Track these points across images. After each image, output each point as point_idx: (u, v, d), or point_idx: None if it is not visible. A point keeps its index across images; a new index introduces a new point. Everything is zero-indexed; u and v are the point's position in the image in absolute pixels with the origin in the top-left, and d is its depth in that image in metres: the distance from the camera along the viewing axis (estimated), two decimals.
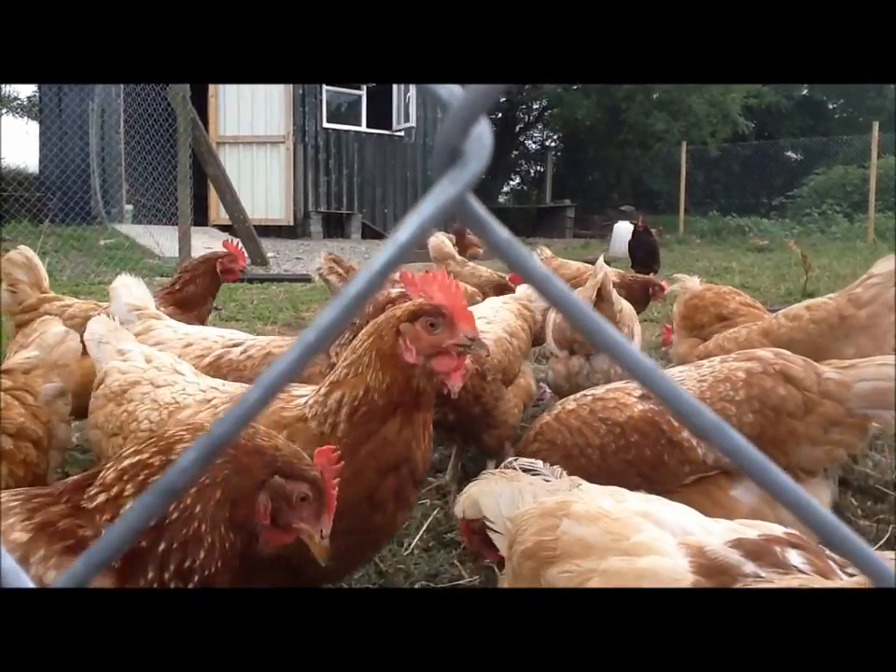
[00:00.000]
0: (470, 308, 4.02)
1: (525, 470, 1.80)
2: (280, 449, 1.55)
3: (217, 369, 2.95)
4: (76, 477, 1.56)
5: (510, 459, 1.88)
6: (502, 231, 0.51)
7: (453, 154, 0.50)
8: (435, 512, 3.20)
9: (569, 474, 2.09)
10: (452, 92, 0.52)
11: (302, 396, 2.15)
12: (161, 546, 1.36)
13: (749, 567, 1.25)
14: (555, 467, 1.84)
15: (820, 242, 19.12)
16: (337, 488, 1.59)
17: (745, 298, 4.50)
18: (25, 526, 1.38)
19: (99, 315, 2.91)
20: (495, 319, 3.81)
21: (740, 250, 18.17)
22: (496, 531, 1.70)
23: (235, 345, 3.06)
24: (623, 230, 8.68)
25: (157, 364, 2.57)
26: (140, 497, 0.55)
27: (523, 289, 4.39)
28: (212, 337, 3.16)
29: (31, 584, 0.59)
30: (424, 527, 3.07)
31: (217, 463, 1.42)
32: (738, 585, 1.23)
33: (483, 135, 0.51)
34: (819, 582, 1.19)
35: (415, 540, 2.98)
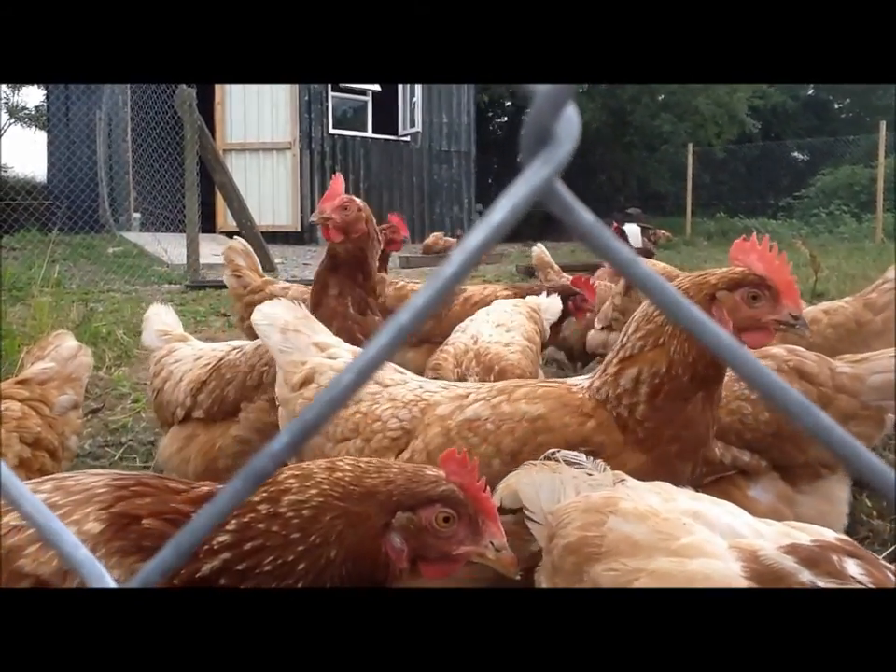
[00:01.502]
0: (483, 312, 4.06)
1: (567, 463, 1.76)
2: (393, 481, 1.36)
3: (217, 370, 3.04)
4: (217, 486, 1.41)
5: (551, 450, 1.83)
6: (588, 215, 0.50)
7: (543, 136, 0.49)
8: None
9: None
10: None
11: (576, 384, 2.04)
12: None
13: (806, 575, 1.22)
14: (599, 461, 1.81)
15: (829, 242, 19.04)
16: (486, 486, 1.41)
17: None
18: (99, 516, 1.28)
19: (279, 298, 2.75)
20: (513, 326, 3.79)
21: None
22: (534, 521, 1.68)
23: (235, 349, 3.15)
24: (631, 232, 8.68)
25: None
26: (230, 482, 0.54)
27: (532, 299, 4.37)
28: (220, 348, 3.28)
29: (113, 584, 0.59)
30: None
31: (325, 520, 1.29)
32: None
33: (572, 116, 0.50)
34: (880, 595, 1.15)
35: None
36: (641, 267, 0.49)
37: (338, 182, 3.22)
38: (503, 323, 3.76)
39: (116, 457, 3.96)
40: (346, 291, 3.10)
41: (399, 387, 2.28)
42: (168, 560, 0.55)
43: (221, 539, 1.25)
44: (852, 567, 1.22)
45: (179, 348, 3.36)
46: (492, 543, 1.37)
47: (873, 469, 0.49)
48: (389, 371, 2.35)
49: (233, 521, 1.26)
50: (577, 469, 1.76)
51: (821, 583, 1.19)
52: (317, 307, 3.07)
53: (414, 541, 1.34)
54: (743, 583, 1.23)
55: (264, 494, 1.32)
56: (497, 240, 0.50)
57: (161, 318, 3.60)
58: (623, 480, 1.68)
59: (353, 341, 2.64)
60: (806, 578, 1.21)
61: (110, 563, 1.20)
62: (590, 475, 1.72)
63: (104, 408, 4.82)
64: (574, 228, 0.50)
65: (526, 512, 1.72)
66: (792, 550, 1.27)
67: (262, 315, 2.48)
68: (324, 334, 2.50)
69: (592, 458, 1.82)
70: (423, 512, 1.34)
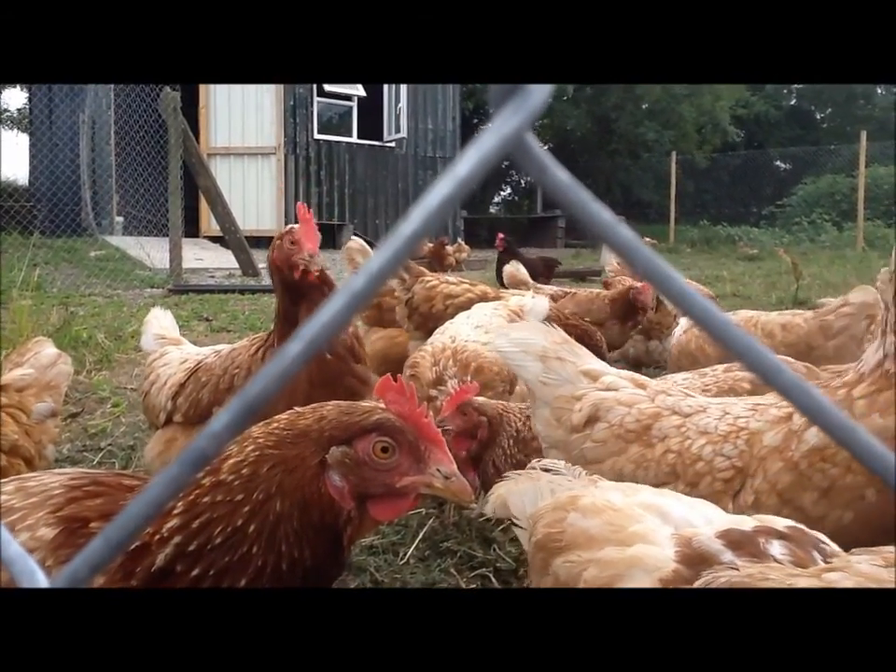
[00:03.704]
0: (464, 315, 4.06)
1: (545, 470, 1.81)
2: (325, 417, 1.29)
3: (194, 373, 3.01)
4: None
5: (534, 461, 1.88)
6: (562, 173, 0.46)
7: (514, 87, 0.45)
8: (431, 521, 3.18)
9: None
10: None
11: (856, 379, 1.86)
12: (195, 572, 1.19)
13: (727, 555, 1.28)
14: (576, 467, 1.85)
15: (810, 250, 19.21)
16: (426, 409, 1.31)
17: None
18: (48, 521, 1.23)
19: (522, 321, 2.40)
20: (492, 328, 3.80)
21: (730, 259, 18.24)
22: (521, 528, 1.72)
23: (215, 353, 3.12)
24: None
25: (654, 389, 2.14)
26: (167, 468, 0.50)
27: (516, 300, 4.38)
28: (205, 352, 3.25)
29: (45, 584, 0.57)
30: (419, 537, 3.04)
31: (263, 472, 1.23)
32: (710, 573, 1.26)
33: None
34: (780, 574, 1.21)
35: (411, 550, 2.95)
36: (623, 231, 0.46)
37: (307, 220, 2.86)
38: (482, 325, 3.77)
39: (94, 462, 3.92)
40: (318, 301, 2.71)
41: (702, 416, 2.02)
42: (98, 553, 0.50)
43: (170, 524, 1.21)
44: (775, 549, 1.28)
45: (170, 351, 3.33)
46: (439, 470, 1.28)
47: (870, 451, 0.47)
48: (681, 398, 2.09)
49: (179, 504, 1.22)
50: (554, 475, 1.80)
51: (740, 562, 1.26)
52: (286, 326, 2.79)
53: (354, 477, 1.25)
54: (672, 566, 1.30)
55: (207, 468, 1.26)
56: (461, 195, 0.45)
57: (159, 322, 3.60)
58: (595, 481, 1.73)
59: (321, 359, 2.56)
60: (727, 558, 1.27)
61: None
62: (567, 480, 1.77)
63: (83, 412, 4.78)
64: (548, 187, 0.46)
65: (514, 520, 1.77)
66: (724, 534, 1.33)
67: (511, 340, 2.19)
68: (591, 359, 2.19)
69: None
70: (358, 444, 1.26)
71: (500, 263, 8.93)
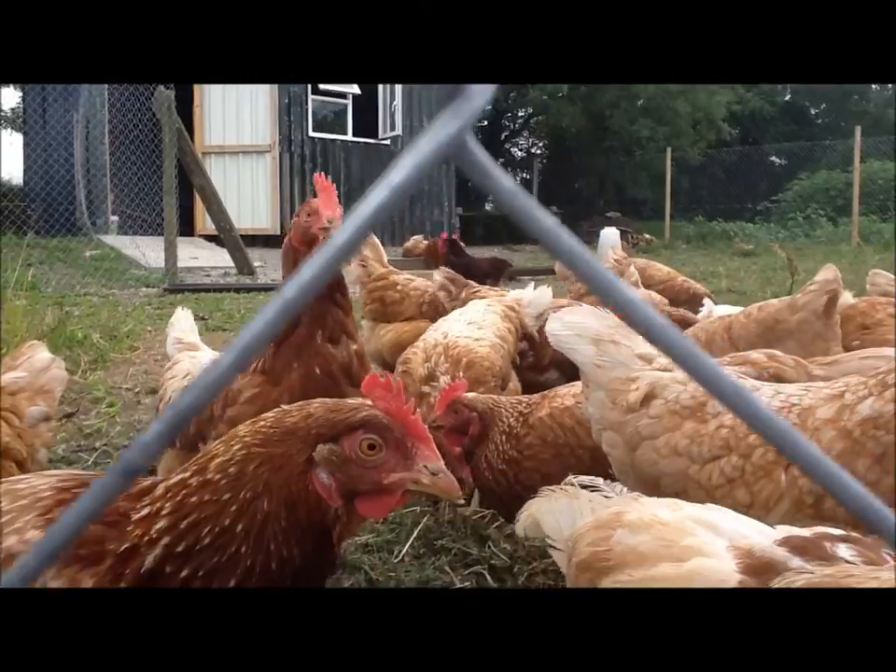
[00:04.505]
0: (457, 312, 4.06)
1: (584, 487, 1.75)
2: (312, 414, 1.29)
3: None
4: (155, 479, 1.34)
5: (569, 477, 1.81)
6: (506, 179, 0.46)
7: (455, 89, 0.45)
8: (425, 519, 3.18)
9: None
10: None
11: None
12: (184, 573, 1.18)
13: (796, 561, 1.23)
14: (616, 484, 1.81)
15: (805, 246, 19.22)
16: (415, 407, 1.31)
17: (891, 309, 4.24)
18: (36, 523, 1.22)
19: (577, 305, 2.34)
20: (485, 325, 3.81)
21: (726, 255, 18.25)
22: (557, 549, 1.67)
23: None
24: (610, 235, 8.69)
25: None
26: (98, 479, 0.49)
27: (513, 294, 4.39)
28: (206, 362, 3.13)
29: None
30: (414, 535, 3.04)
31: (250, 471, 1.23)
32: (781, 580, 1.21)
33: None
34: (863, 570, 1.18)
35: (405, 548, 2.95)
36: (565, 238, 0.46)
37: (327, 188, 2.56)
38: (475, 321, 3.79)
39: (89, 462, 3.91)
40: (317, 320, 2.44)
41: (757, 395, 2.03)
42: (29, 564, 0.49)
43: (159, 525, 1.20)
44: (843, 551, 1.25)
45: (181, 360, 3.18)
46: (426, 467, 1.28)
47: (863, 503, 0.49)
48: (736, 378, 2.11)
49: (168, 504, 1.21)
50: (593, 491, 1.75)
51: (810, 567, 1.21)
52: (285, 339, 2.46)
53: (342, 474, 1.25)
54: (736, 577, 1.24)
55: (194, 467, 1.27)
56: (399, 203, 0.45)
57: (179, 325, 3.53)
58: (636, 497, 1.68)
59: (310, 378, 2.40)
60: (796, 563, 1.23)
61: (49, 575, 1.15)
62: (606, 497, 1.72)
63: (78, 412, 4.77)
64: (493, 193, 0.46)
65: (549, 541, 1.71)
66: (785, 541, 1.29)
67: (565, 324, 2.21)
68: (645, 344, 2.17)
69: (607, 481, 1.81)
70: (345, 441, 1.26)
71: (445, 265, 8.00)
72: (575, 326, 2.21)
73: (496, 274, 8.51)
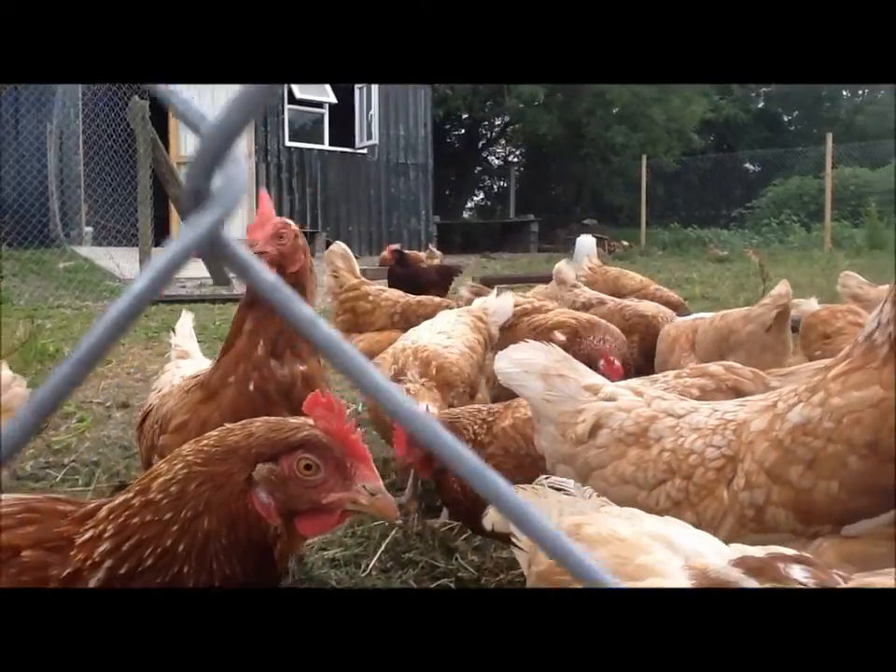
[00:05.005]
0: (427, 322, 4.07)
1: (553, 488, 1.76)
2: (254, 433, 1.30)
3: (145, 419, 2.79)
4: (102, 500, 1.33)
5: (541, 477, 1.82)
6: (267, 275, 0.48)
7: (198, 197, 0.46)
8: (393, 532, 3.19)
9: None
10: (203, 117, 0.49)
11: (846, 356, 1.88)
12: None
13: (750, 582, 1.24)
14: (586, 488, 1.81)
15: (779, 251, 19.40)
16: (354, 426, 1.32)
17: (857, 317, 4.22)
18: None
19: (532, 342, 2.35)
20: (454, 334, 3.83)
21: (701, 261, 18.39)
22: (519, 548, 1.67)
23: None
24: (587, 243, 8.63)
25: (651, 395, 2.19)
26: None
27: (478, 302, 4.41)
28: (189, 374, 3.06)
29: None
30: (382, 548, 3.05)
31: (191, 490, 1.23)
32: None
33: (235, 176, 0.47)
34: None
35: (373, 561, 2.96)
36: (322, 328, 0.48)
37: (266, 202, 2.52)
38: (444, 331, 3.81)
39: (57, 479, 3.88)
40: (261, 330, 2.34)
41: (693, 415, 2.09)
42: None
43: (102, 548, 1.20)
44: (797, 572, 1.25)
45: (167, 370, 3.13)
46: (364, 487, 1.29)
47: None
48: (675, 401, 2.17)
49: (110, 527, 1.21)
50: (562, 494, 1.75)
51: (763, 588, 1.22)
52: (227, 350, 2.41)
53: (280, 493, 1.26)
54: None
55: (137, 487, 1.27)
56: (141, 309, 0.46)
57: (180, 330, 3.52)
58: (603, 504, 1.69)
59: (242, 395, 2.28)
60: (750, 585, 1.23)
61: None
62: (576, 500, 1.72)
63: (47, 427, 4.73)
64: (255, 287, 0.48)
65: (513, 539, 1.71)
66: (741, 562, 1.30)
67: (512, 361, 2.23)
68: (591, 375, 2.24)
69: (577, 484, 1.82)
70: (284, 461, 1.27)
71: (392, 276, 8.09)
72: (522, 363, 2.23)
73: (443, 283, 8.24)
